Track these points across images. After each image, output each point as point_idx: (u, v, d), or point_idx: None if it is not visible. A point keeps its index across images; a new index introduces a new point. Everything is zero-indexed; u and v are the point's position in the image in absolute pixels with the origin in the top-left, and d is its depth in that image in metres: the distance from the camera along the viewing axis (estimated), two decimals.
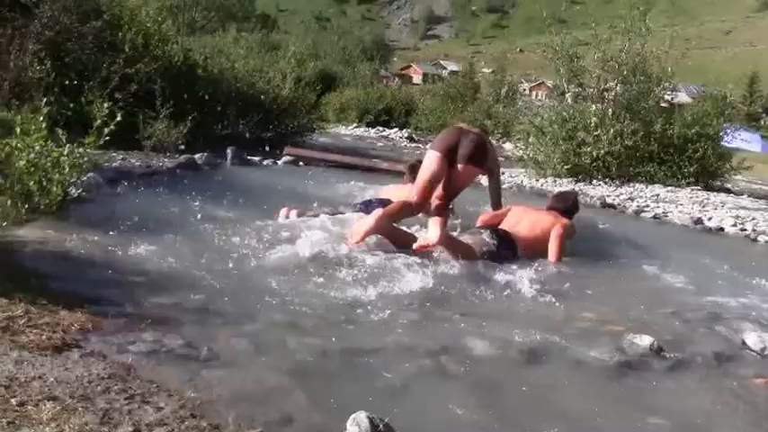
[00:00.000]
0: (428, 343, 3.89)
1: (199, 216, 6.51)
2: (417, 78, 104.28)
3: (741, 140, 24.63)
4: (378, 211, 6.06)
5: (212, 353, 3.41)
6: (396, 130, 29.09)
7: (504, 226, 6.79)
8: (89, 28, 11.39)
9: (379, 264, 5.56)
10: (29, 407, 2.58)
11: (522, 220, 6.83)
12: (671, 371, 3.94)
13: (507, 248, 6.39)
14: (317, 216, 6.97)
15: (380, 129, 29.14)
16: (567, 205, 7.28)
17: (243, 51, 22.96)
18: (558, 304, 5.04)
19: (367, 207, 7.46)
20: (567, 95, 16.59)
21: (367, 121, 30.63)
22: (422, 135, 26.65)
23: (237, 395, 3.01)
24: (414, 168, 8.48)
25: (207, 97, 13.30)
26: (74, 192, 5.90)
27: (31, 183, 5.38)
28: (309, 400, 3.06)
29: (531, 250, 6.58)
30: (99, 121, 5.78)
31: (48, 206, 5.47)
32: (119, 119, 5.88)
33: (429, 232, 5.97)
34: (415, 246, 5.90)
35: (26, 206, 5.36)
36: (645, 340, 4.12)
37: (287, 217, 6.91)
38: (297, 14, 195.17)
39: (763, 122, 76.26)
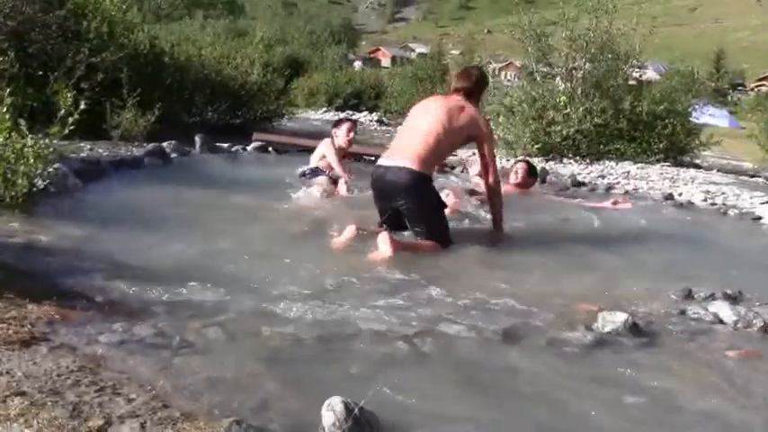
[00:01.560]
0: (402, 327, 3.85)
1: (167, 204, 6.45)
2: (386, 61, 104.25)
3: (709, 116, 24.83)
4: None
5: (184, 342, 3.35)
6: (365, 113, 29.02)
7: (401, 146, 6.07)
8: (53, 17, 11.22)
9: (350, 252, 5.55)
10: None
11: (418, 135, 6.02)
12: (645, 347, 3.93)
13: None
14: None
15: (350, 112, 29.02)
16: (470, 84, 6.33)
17: (210, 38, 22.79)
18: (529, 284, 5.04)
19: (314, 174, 7.85)
20: (557, 79, 16.47)
21: (336, 105, 30.55)
22: (392, 118, 26.57)
23: (211, 383, 2.96)
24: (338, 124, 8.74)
25: (175, 85, 13.21)
26: (40, 183, 5.80)
27: None
28: (284, 386, 3.02)
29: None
30: (63, 111, 5.70)
31: (13, 199, 5.39)
32: (83, 107, 5.81)
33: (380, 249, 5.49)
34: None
35: None
36: (618, 317, 4.10)
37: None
38: (263, 0, 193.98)
39: (730, 98, 76.87)
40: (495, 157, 6.39)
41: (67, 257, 4.52)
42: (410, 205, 5.87)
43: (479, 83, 6.40)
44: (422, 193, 5.89)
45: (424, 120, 6.06)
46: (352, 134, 8.73)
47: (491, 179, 6.30)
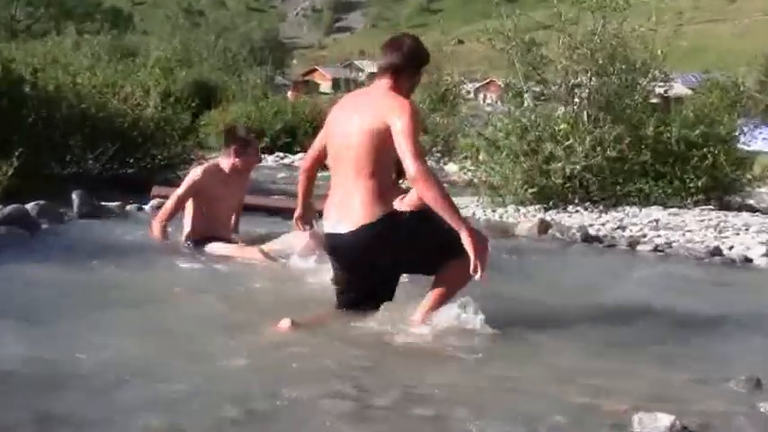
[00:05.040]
0: None
1: (33, 290, 6.33)
2: (326, 86, 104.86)
3: (763, 140, 24.94)
4: None
5: None
6: (301, 155, 28.93)
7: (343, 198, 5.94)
8: None
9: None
10: None
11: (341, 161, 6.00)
12: None
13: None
14: None
15: (281, 155, 29.01)
16: (400, 58, 6.03)
17: (88, 60, 22.76)
18: (534, 375, 4.98)
19: None
20: (525, 96, 16.49)
21: (263, 144, 30.54)
22: None
23: None
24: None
25: (40, 124, 13.05)
26: None
27: None
28: None
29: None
30: None
31: None
32: None
33: None
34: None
35: None
36: (662, 420, 4.02)
37: None
38: (159, 8, 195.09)
39: None
40: (416, 142, 5.67)
41: None
42: (394, 257, 5.91)
43: (412, 55, 6.12)
44: (394, 236, 5.80)
45: (351, 142, 5.89)
46: None
47: (412, 168, 5.53)
